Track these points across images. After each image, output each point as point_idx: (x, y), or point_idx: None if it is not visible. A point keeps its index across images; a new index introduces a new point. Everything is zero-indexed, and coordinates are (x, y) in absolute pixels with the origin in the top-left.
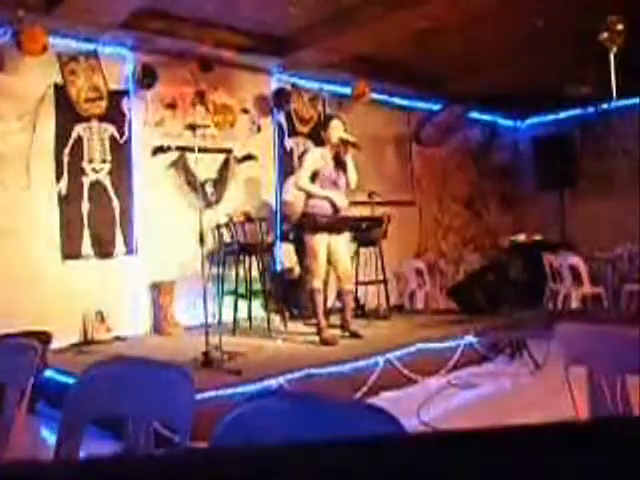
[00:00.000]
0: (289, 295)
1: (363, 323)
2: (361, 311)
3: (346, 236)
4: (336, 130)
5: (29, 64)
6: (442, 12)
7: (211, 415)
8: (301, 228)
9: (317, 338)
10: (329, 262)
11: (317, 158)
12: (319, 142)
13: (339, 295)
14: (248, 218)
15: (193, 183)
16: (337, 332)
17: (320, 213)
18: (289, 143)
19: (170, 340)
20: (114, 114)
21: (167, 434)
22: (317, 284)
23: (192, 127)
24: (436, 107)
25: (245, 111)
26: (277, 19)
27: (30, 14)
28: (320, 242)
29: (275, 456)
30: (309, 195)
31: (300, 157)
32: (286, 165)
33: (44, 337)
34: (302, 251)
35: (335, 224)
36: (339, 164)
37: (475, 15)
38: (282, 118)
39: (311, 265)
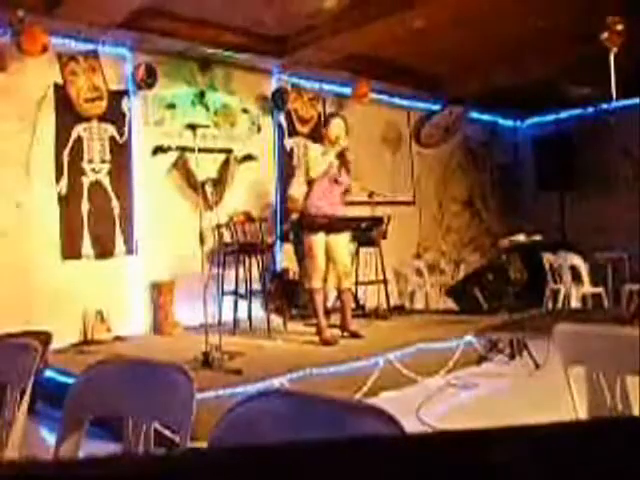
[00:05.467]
0: (289, 295)
1: (363, 323)
2: (361, 311)
3: (346, 234)
4: (337, 128)
5: (29, 64)
6: (442, 12)
7: (211, 415)
8: (300, 228)
9: (317, 338)
10: (328, 260)
11: (317, 157)
12: (318, 142)
13: (338, 294)
14: (248, 218)
15: (193, 183)
16: (337, 332)
17: (318, 214)
18: (289, 143)
19: (170, 340)
20: (114, 114)
21: (167, 434)
22: (316, 284)
23: (192, 127)
24: (436, 107)
25: (245, 111)
26: (277, 19)
27: (30, 14)
28: (318, 242)
29: (274, 456)
30: (307, 196)
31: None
32: (286, 165)
33: (44, 337)
34: (301, 251)
35: (334, 224)
36: (342, 162)
37: (475, 15)
38: (282, 118)
39: (309, 265)
